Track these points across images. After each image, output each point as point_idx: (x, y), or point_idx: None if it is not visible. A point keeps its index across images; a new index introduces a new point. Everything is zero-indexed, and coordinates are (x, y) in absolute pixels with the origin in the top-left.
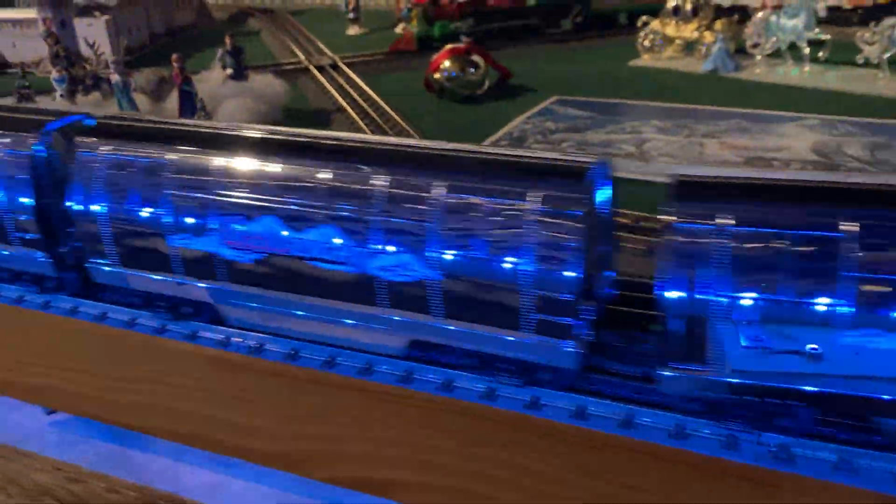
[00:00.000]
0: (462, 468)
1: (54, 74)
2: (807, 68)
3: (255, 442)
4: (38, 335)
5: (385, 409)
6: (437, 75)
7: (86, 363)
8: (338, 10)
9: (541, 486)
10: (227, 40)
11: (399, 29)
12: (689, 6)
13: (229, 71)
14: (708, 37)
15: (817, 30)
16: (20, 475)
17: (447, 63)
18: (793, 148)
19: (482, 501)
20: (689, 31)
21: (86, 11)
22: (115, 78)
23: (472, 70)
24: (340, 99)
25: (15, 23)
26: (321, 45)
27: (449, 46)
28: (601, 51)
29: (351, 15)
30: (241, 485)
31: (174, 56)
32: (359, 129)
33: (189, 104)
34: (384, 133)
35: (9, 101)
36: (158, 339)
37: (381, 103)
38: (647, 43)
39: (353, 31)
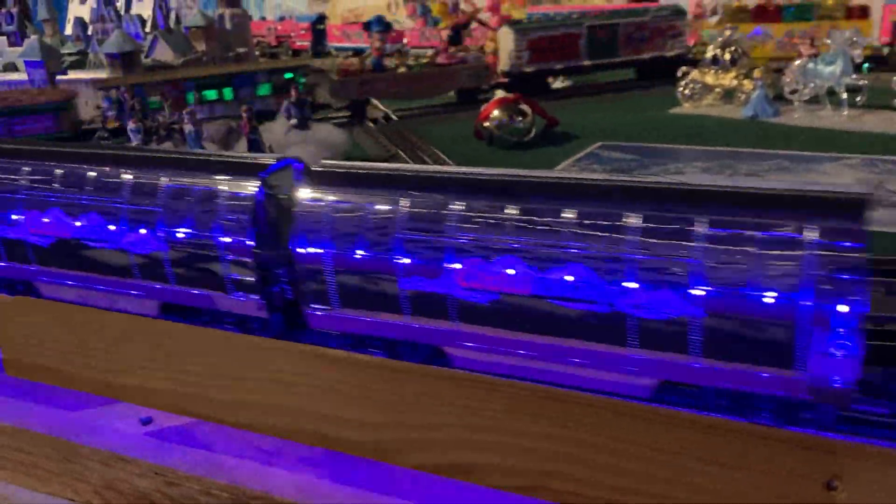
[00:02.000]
0: (551, 451)
1: (131, 125)
2: (845, 112)
3: (349, 433)
4: (143, 339)
5: (474, 395)
6: (486, 123)
7: (188, 364)
8: None
9: (633, 466)
10: (293, 92)
11: None
12: (727, 56)
13: (294, 121)
14: (747, 84)
15: (854, 75)
16: (119, 480)
17: (496, 112)
18: (836, 185)
19: (575, 485)
20: (728, 79)
21: (153, 71)
22: (188, 128)
23: (520, 118)
24: (394, 147)
25: (87, 83)
26: (373, 100)
27: (499, 96)
28: (642, 100)
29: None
30: (330, 484)
31: (243, 107)
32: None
33: (257, 151)
34: None
35: None
36: (257, 338)
37: (434, 149)
38: (686, 91)
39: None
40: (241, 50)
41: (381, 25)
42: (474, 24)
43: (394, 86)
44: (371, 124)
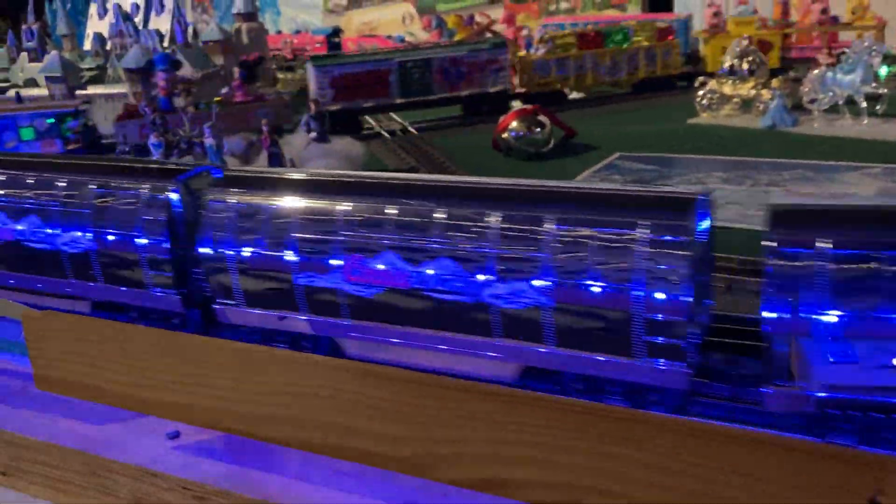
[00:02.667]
0: (587, 466)
1: (152, 139)
2: (865, 121)
3: (382, 447)
4: (174, 353)
5: (508, 410)
6: (504, 135)
7: (219, 378)
8: None
9: (666, 481)
10: (312, 106)
11: None
12: (745, 66)
13: (313, 134)
14: (765, 94)
15: (874, 84)
16: (148, 495)
17: (514, 123)
18: (859, 194)
19: (608, 499)
20: (747, 89)
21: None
22: (209, 141)
23: (538, 129)
24: (413, 160)
25: (107, 97)
26: (391, 114)
27: (516, 108)
28: (660, 110)
29: None
30: (360, 499)
31: (263, 121)
32: None
33: (277, 164)
34: None
35: None
36: (289, 352)
37: (449, 161)
38: (704, 101)
39: None
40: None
41: (165, 64)
42: (490, 35)
43: None
44: (389, 136)
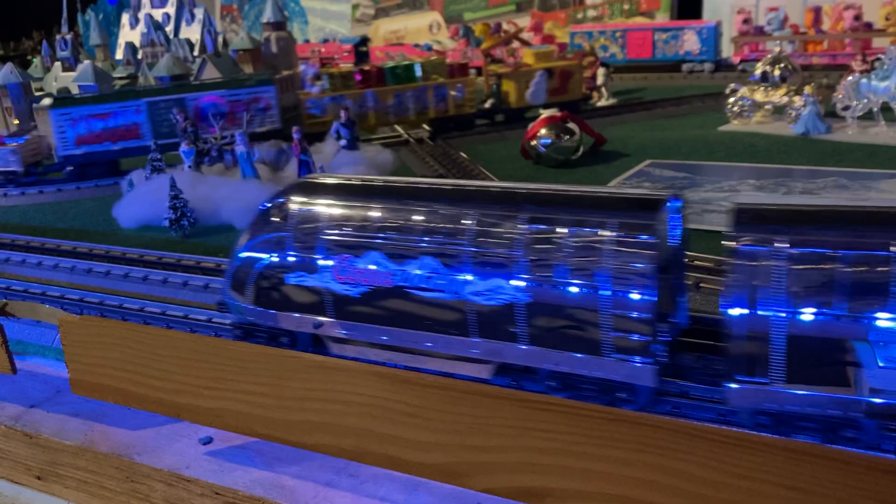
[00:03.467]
0: (623, 475)
1: (183, 147)
2: None
3: (416, 454)
4: (208, 358)
5: (542, 417)
6: (533, 142)
7: (254, 384)
8: None
9: (705, 491)
10: (342, 114)
11: (489, 104)
12: (776, 73)
13: (343, 142)
14: (797, 101)
15: None
16: (181, 500)
17: (543, 131)
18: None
19: None
20: (779, 95)
21: None
22: (240, 149)
23: (568, 137)
24: (441, 166)
25: None
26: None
27: (545, 115)
28: (690, 118)
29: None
30: None
31: (294, 128)
32: None
33: (306, 173)
34: None
35: (141, 174)
36: (322, 358)
37: (481, 168)
38: (735, 108)
39: None
40: (287, 72)
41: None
42: (517, 44)
43: None
44: (417, 143)
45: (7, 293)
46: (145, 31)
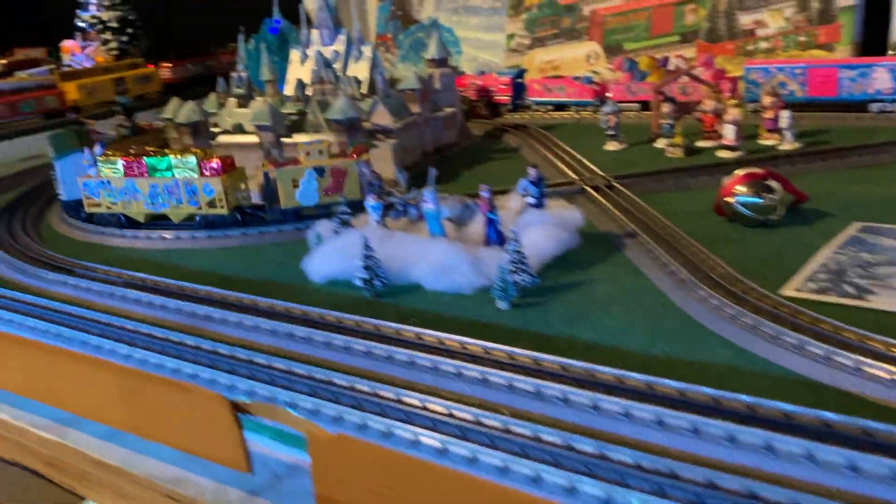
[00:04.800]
0: None
1: (370, 201)
2: None
3: None
4: (457, 493)
5: None
6: (729, 199)
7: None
8: (582, 123)
9: None
10: (532, 171)
11: (661, 144)
12: None
13: (531, 199)
14: None
15: None
16: None
17: (742, 188)
18: None
19: None
20: None
21: (372, 135)
22: (428, 207)
23: (768, 195)
24: (629, 222)
25: (241, 146)
26: (587, 162)
27: (744, 171)
28: (893, 168)
29: (611, 132)
30: None
31: (481, 186)
32: (658, 258)
33: (494, 231)
34: (693, 266)
35: (328, 226)
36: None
37: (672, 226)
38: None
39: (612, 146)
40: (449, 109)
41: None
42: (687, 79)
43: None
44: (593, 192)
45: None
46: (315, 68)
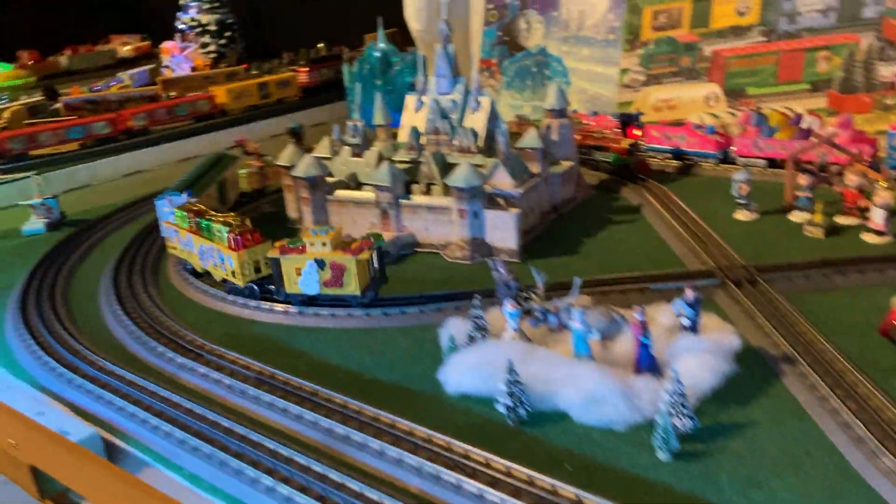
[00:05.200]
0: None
1: (508, 308)
2: None
3: None
4: None
5: None
6: None
7: None
8: (704, 177)
9: None
10: (689, 293)
11: (798, 219)
12: None
13: (686, 321)
14: None
15: None
16: None
17: None
18: None
19: None
20: None
21: (493, 202)
22: (576, 326)
23: None
24: (782, 338)
25: (430, 208)
26: (719, 240)
27: None
28: None
29: (742, 200)
30: None
31: (636, 307)
32: (825, 398)
33: (647, 356)
34: (869, 416)
35: (460, 325)
36: None
37: (832, 349)
38: None
39: (743, 215)
40: (567, 164)
41: None
42: (824, 144)
43: None
44: (735, 288)
45: None
46: (430, 117)
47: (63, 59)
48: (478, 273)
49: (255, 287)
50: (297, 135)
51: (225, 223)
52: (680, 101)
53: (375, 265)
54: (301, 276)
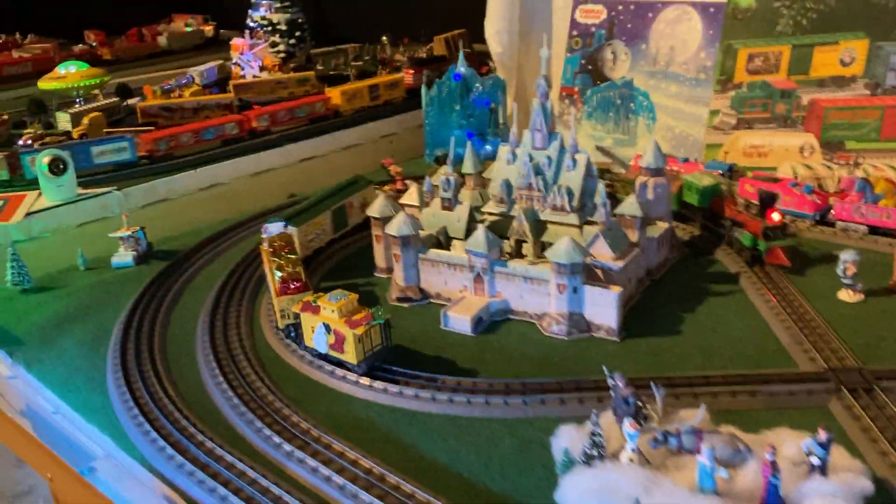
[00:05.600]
0: None
1: (628, 429)
2: None
3: None
4: None
5: None
6: None
7: None
8: (800, 240)
9: None
10: (822, 433)
11: None
12: None
13: (816, 461)
14: None
15: None
16: None
17: None
18: None
19: None
20: None
21: (591, 273)
22: (704, 462)
23: None
24: None
25: (527, 278)
26: (822, 325)
27: None
28: None
29: (847, 280)
30: None
31: (768, 448)
32: None
33: (775, 499)
34: None
35: (573, 436)
36: None
37: None
38: None
39: (846, 296)
40: (663, 225)
41: None
42: None
43: None
44: (850, 396)
45: None
46: (525, 172)
47: (162, 39)
48: (576, 351)
49: (292, 329)
50: (439, 162)
51: (279, 267)
52: (772, 148)
53: (382, 335)
54: (314, 334)
